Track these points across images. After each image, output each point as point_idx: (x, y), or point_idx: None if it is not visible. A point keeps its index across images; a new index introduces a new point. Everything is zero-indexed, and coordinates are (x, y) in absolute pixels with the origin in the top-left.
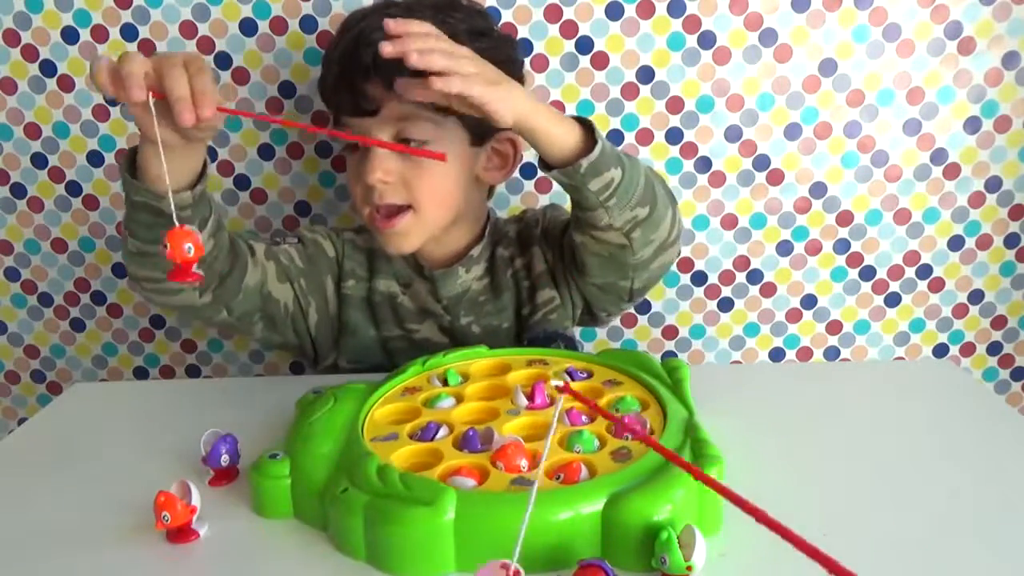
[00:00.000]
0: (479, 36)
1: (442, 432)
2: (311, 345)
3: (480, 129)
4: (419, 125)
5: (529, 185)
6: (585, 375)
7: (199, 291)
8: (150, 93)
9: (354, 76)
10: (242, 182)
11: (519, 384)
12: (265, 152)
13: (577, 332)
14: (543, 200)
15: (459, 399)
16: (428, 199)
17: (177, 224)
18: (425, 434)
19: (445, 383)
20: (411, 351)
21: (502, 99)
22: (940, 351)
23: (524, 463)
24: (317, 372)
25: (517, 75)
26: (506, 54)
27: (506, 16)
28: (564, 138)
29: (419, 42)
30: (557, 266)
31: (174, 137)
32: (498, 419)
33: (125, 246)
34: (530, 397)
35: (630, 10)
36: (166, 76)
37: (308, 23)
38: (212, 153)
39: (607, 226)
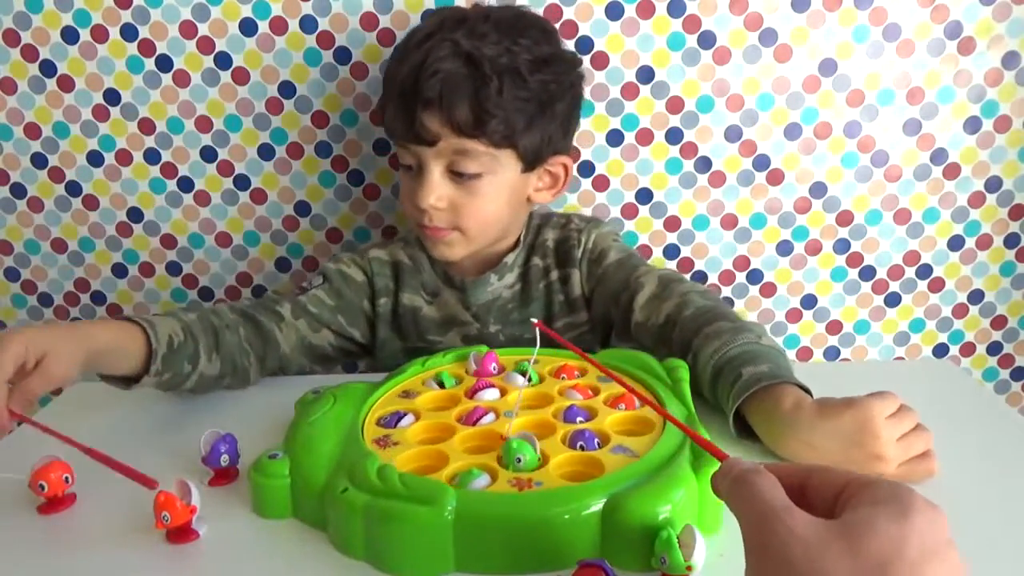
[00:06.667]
0: (542, 65)
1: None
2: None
3: (533, 156)
4: (475, 159)
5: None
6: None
7: (232, 381)
8: None
9: (415, 106)
10: (242, 182)
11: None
12: (265, 152)
13: None
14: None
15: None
16: (475, 224)
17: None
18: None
19: (441, 386)
20: None
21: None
22: (940, 351)
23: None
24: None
25: (577, 100)
26: (568, 82)
27: None
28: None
29: None
30: (596, 298)
31: None
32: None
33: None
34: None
35: (630, 10)
36: None
37: (308, 23)
38: (212, 153)
39: None
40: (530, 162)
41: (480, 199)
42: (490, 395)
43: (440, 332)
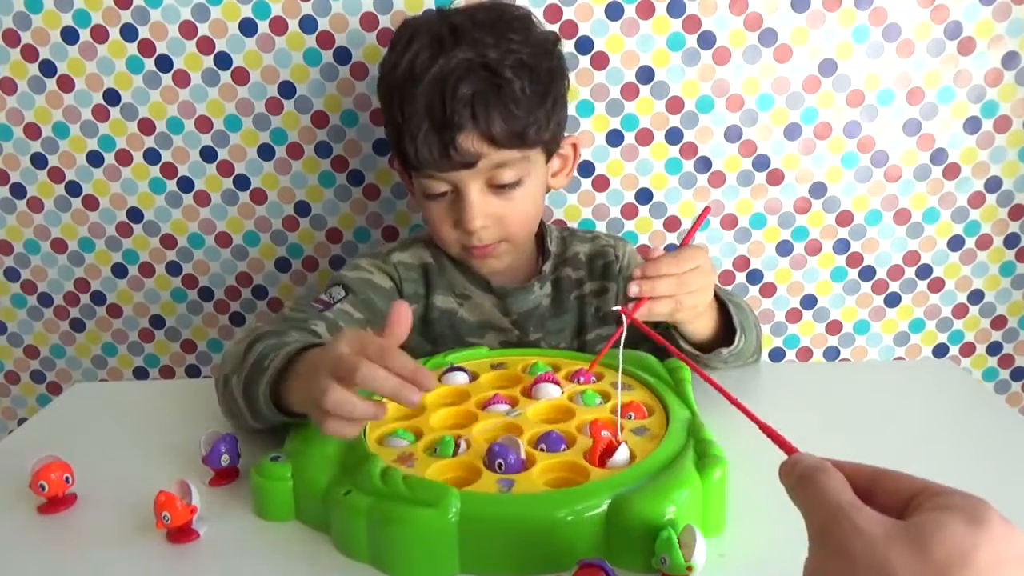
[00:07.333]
0: (540, 52)
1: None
2: None
3: (554, 145)
4: (512, 167)
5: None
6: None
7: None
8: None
9: (449, 133)
10: (242, 182)
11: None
12: (265, 152)
13: None
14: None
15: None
16: (521, 230)
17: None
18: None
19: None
20: None
21: (697, 314)
22: (940, 351)
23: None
24: None
25: (567, 74)
26: (560, 59)
27: None
28: (708, 325)
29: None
30: None
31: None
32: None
33: (231, 403)
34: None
35: (630, 10)
36: (369, 381)
37: (308, 23)
38: (212, 153)
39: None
40: (551, 151)
41: (521, 203)
42: (501, 408)
43: (477, 335)
